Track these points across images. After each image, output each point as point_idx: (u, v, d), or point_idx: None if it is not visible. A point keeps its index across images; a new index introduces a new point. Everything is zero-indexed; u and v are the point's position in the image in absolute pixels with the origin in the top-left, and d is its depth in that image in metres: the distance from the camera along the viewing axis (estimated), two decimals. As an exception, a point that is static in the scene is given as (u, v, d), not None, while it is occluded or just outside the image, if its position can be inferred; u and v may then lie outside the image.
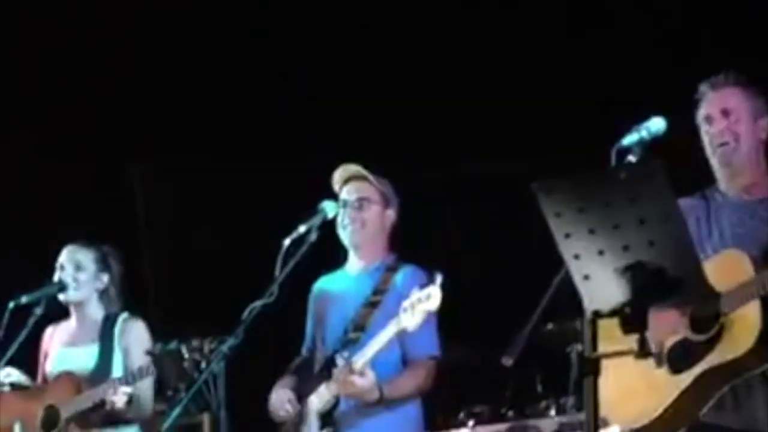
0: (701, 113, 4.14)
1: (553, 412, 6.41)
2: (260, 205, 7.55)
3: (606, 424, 4.06)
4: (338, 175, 5.19)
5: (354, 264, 5.19)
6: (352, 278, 5.17)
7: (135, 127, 8.30)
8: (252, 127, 8.06)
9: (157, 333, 8.54)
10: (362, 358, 4.80)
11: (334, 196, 5.13)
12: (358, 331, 4.97)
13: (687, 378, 3.80)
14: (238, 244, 7.91)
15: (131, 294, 6.70)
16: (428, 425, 7.24)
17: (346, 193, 5.15)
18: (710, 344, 3.80)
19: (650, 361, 3.66)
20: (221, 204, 8.26)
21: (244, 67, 7.94)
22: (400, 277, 5.03)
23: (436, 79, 7.54)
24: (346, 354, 4.86)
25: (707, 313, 3.80)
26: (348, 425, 4.93)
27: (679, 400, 3.80)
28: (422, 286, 4.70)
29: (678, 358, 3.83)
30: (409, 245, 5.15)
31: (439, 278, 4.65)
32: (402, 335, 4.78)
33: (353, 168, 5.19)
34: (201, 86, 8.13)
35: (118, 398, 5.22)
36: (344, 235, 5.13)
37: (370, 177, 5.18)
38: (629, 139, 3.71)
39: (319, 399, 4.95)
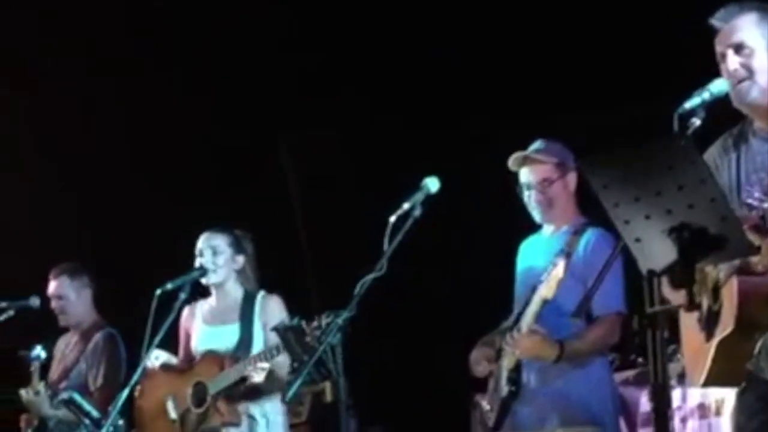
0: (716, 50, 3.97)
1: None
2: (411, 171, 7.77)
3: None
4: (512, 162, 5.32)
5: (547, 227, 5.39)
6: (544, 241, 5.36)
7: (282, 101, 8.60)
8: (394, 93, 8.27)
9: (312, 302, 8.88)
10: (526, 319, 5.04)
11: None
12: None
13: (712, 346, 3.81)
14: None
15: (288, 266, 6.97)
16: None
17: (526, 175, 5.30)
18: (717, 315, 3.80)
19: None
20: (372, 171, 8.51)
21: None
22: (584, 240, 5.17)
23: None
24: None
25: (713, 282, 3.81)
26: (535, 384, 5.14)
27: (714, 366, 3.81)
28: (568, 255, 4.93)
29: (707, 326, 3.86)
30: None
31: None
32: (547, 304, 4.96)
33: (523, 153, 5.30)
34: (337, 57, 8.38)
35: (257, 373, 5.62)
36: (535, 215, 5.32)
37: (542, 157, 5.28)
38: (692, 103, 3.76)
39: (506, 356, 5.19)
